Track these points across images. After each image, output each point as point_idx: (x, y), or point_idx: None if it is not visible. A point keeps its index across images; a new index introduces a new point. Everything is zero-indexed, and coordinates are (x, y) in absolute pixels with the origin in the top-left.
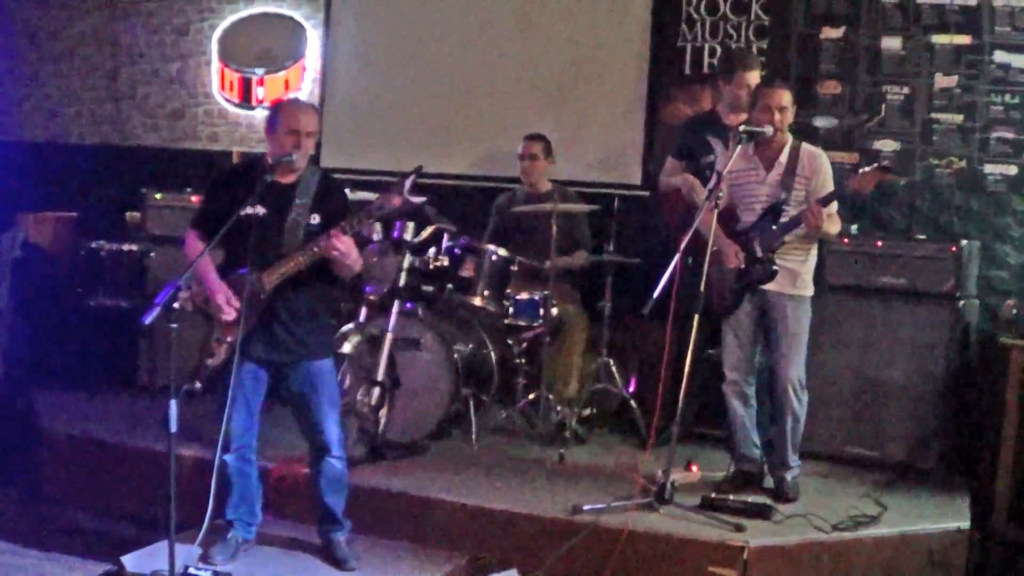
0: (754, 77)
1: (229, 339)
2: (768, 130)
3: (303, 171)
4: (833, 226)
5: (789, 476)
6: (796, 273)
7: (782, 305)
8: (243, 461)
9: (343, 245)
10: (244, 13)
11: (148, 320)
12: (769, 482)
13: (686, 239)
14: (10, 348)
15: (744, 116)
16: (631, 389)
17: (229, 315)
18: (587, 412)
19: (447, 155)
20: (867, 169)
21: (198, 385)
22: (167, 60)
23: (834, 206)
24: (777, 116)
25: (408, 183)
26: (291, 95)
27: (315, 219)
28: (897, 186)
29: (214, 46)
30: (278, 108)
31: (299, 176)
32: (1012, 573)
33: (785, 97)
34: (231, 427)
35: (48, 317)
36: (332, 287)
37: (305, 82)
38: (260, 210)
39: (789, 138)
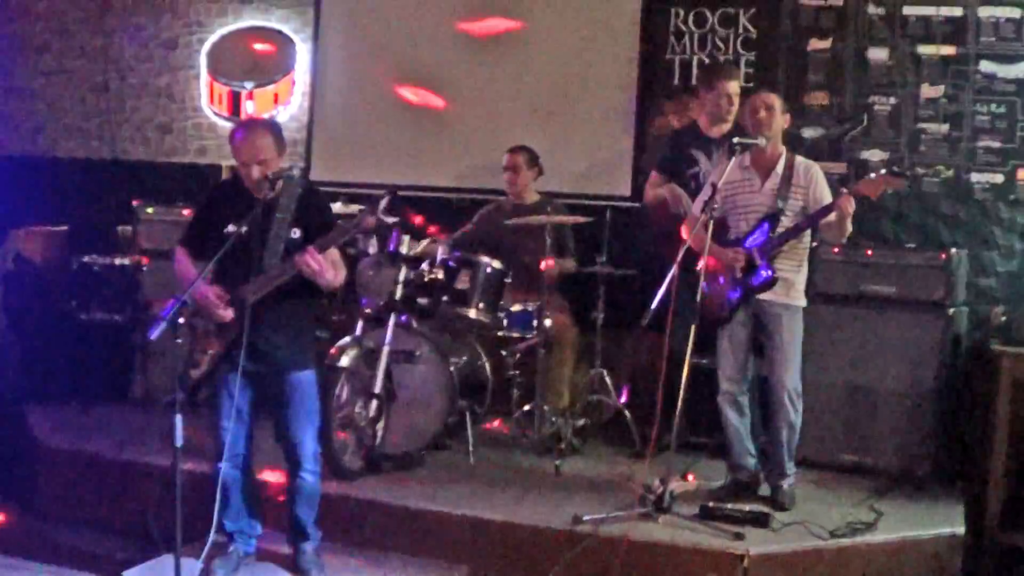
0: (734, 87)
1: (211, 351)
2: (760, 141)
3: (283, 184)
4: (849, 224)
5: (785, 484)
6: (790, 282)
7: (776, 314)
8: (236, 469)
9: (315, 263)
10: (233, 27)
11: (154, 335)
12: (765, 489)
13: (682, 250)
14: (2, 363)
15: (726, 127)
16: (623, 399)
17: (225, 312)
18: (581, 423)
19: (436, 168)
20: (875, 174)
21: (180, 396)
22: (156, 74)
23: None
24: (763, 114)
25: (383, 204)
26: (280, 108)
27: (296, 233)
28: (885, 195)
29: (203, 60)
30: (230, 136)
31: (279, 190)
32: None
33: (770, 98)
34: (222, 435)
35: (41, 331)
36: (315, 298)
37: (294, 95)
38: (242, 228)
39: (783, 150)
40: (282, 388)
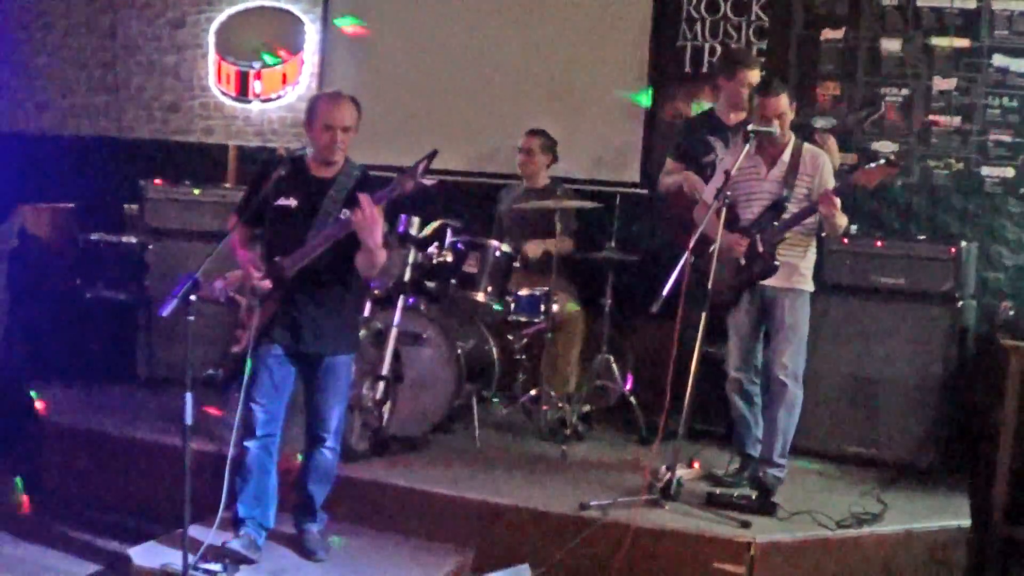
0: (755, 76)
1: (252, 327)
2: (776, 130)
3: (342, 166)
4: (841, 218)
5: (770, 473)
6: (794, 267)
7: (780, 299)
8: (265, 452)
9: (369, 211)
10: (241, 6)
11: (166, 312)
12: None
13: (695, 237)
14: (7, 340)
15: (744, 115)
16: (628, 386)
17: (262, 282)
18: (586, 408)
19: (446, 151)
20: (872, 165)
21: (220, 372)
22: (163, 52)
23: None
24: (776, 124)
25: (421, 167)
26: (288, 89)
27: (345, 214)
28: (895, 187)
29: (211, 39)
30: (314, 102)
31: (338, 171)
32: (1011, 571)
33: (782, 103)
34: (256, 412)
35: (45, 309)
36: (358, 282)
37: (303, 76)
38: (292, 201)
39: (791, 137)
40: (318, 369)
